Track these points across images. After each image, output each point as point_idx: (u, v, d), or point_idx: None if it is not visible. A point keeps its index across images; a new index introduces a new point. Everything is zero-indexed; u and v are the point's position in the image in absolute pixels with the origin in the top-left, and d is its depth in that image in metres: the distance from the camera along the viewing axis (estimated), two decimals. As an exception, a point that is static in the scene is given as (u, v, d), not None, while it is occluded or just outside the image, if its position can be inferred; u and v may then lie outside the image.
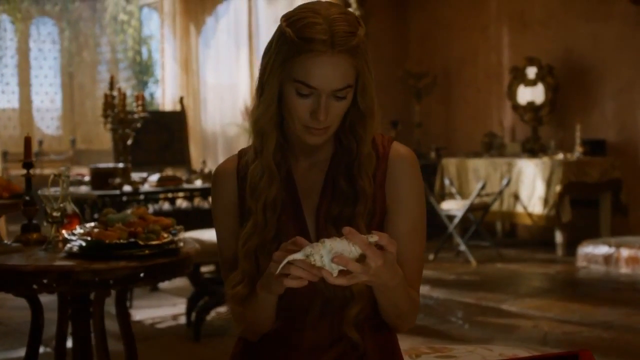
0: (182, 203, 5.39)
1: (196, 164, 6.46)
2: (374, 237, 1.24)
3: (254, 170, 1.46)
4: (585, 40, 6.84)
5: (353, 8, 6.47)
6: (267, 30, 7.30)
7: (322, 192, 1.48)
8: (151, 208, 5.00)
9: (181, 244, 2.52)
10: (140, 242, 2.39)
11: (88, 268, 2.30)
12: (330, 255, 1.22)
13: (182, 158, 6.19)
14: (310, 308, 1.45)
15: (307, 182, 1.50)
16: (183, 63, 6.96)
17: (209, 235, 4.32)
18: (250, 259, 1.42)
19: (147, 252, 2.39)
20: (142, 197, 4.79)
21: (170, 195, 5.02)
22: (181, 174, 5.66)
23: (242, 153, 1.55)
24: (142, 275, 2.37)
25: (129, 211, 2.70)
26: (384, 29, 7.86)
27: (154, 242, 2.41)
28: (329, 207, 1.45)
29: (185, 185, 5.02)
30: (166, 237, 2.48)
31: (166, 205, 5.20)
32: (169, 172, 5.80)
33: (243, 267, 1.42)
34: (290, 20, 1.38)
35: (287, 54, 1.37)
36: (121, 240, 2.40)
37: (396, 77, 7.90)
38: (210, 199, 5.08)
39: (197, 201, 5.31)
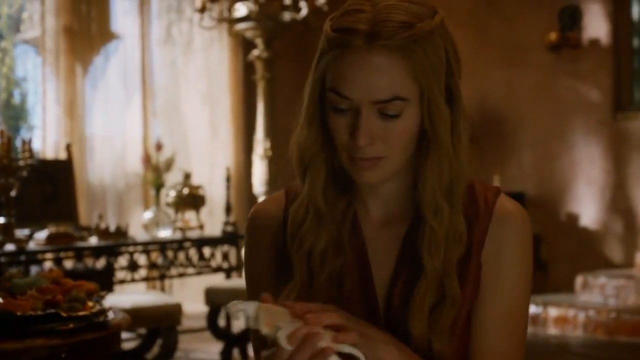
0: (70, 263, 4.92)
1: (84, 219, 5.97)
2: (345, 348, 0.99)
3: (296, 210, 1.15)
4: (500, 89, 6.87)
5: (260, 50, 6.24)
6: (161, 73, 6.95)
7: (399, 261, 1.15)
8: (33, 270, 4.54)
9: (112, 315, 2.14)
10: (63, 314, 2.01)
11: (-3, 348, 1.89)
12: None
13: (68, 212, 5.69)
14: None
15: (379, 242, 1.16)
16: (67, 107, 6.49)
17: (113, 300, 3.89)
18: None
19: (71, 325, 2.00)
20: (23, 257, 4.33)
21: (55, 255, 4.55)
22: (67, 230, 5.18)
23: (290, 191, 1.23)
24: (64, 356, 1.98)
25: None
26: (289, 73, 7.65)
27: (80, 313, 2.02)
28: (405, 285, 1.13)
29: (80, 244, 4.56)
30: (92, 305, 2.10)
31: (51, 266, 4.73)
32: (53, 228, 5.31)
33: None
34: (337, 12, 1.10)
35: (322, 55, 1.08)
36: (37, 312, 2.00)
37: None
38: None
39: (89, 261, 4.84)
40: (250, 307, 0.98)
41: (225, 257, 5.14)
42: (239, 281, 5.05)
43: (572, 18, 6.44)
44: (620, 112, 6.31)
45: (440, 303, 1.09)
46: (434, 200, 1.09)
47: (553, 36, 6.43)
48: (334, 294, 1.13)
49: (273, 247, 1.19)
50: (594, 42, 6.40)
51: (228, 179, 5.35)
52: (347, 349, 0.98)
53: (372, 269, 1.15)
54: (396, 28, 1.04)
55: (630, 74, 6.30)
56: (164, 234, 4.99)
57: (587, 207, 6.44)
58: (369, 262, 1.15)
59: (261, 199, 6.16)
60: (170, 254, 4.94)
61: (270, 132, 6.17)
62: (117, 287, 5.00)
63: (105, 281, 4.92)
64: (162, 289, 5.78)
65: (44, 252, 4.35)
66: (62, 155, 5.96)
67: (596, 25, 6.40)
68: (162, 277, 5.12)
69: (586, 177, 6.48)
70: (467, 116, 1.16)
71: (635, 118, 6.23)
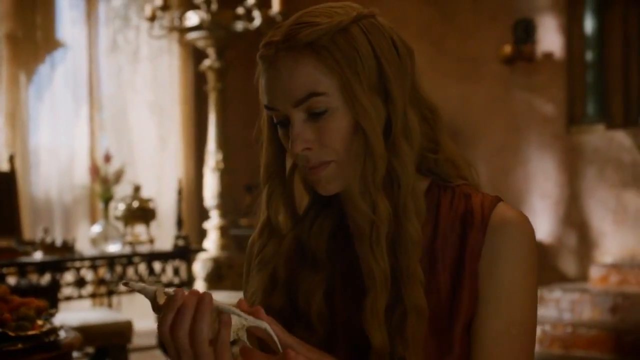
0: (13, 280, 4.75)
1: (28, 234, 5.79)
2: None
3: (260, 224, 1.18)
4: (455, 101, 6.88)
5: (211, 60, 6.15)
6: (108, 83, 6.81)
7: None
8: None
9: (63, 334, 2.03)
10: (11, 333, 1.89)
11: (-61, 371, 1.77)
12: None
13: (11, 226, 5.50)
14: None
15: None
16: (9, 117, 6.30)
17: (59, 318, 3.75)
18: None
19: (20, 346, 1.89)
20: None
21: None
22: (10, 244, 5.01)
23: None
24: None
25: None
26: (242, 84, 7.57)
27: (29, 333, 1.91)
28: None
29: (24, 259, 4.41)
30: (42, 324, 1.99)
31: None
32: (-4, 243, 5.13)
33: None
34: None
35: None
36: (-17, 331, 1.89)
37: (251, 137, 7.58)
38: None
39: (33, 277, 4.68)
40: (152, 287, 0.99)
41: (176, 272, 5.02)
42: (190, 297, 4.93)
43: (526, 31, 6.49)
44: (574, 126, 6.36)
45: (402, 313, 1.06)
46: (368, 193, 1.07)
47: (507, 49, 6.46)
48: (318, 309, 1.12)
49: None
50: (548, 56, 6.45)
51: (180, 192, 5.24)
52: (251, 321, 0.97)
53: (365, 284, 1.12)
54: (300, 28, 1.06)
55: (583, 88, 6.36)
56: (113, 248, 4.86)
57: (542, 220, 6.47)
58: (361, 277, 1.12)
59: (213, 212, 6.06)
60: (119, 269, 4.81)
61: (222, 144, 6.09)
62: (62, 304, 4.85)
63: (50, 298, 4.77)
64: (110, 306, 5.63)
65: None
66: (5, 167, 5.77)
67: (550, 39, 6.46)
68: (110, 294, 4.99)
69: (540, 190, 6.51)
70: (434, 121, 1.15)
71: (588, 132, 6.29)
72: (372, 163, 1.06)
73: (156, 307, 0.97)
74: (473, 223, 1.10)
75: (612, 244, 6.15)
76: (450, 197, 1.14)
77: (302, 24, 1.06)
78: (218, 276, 5.67)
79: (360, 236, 1.13)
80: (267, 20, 5.83)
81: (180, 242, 5.09)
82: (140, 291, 0.97)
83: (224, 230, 6.00)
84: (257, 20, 5.82)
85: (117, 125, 6.82)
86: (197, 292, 0.97)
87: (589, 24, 6.28)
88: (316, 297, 1.12)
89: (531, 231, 1.11)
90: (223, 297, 4.49)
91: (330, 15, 1.06)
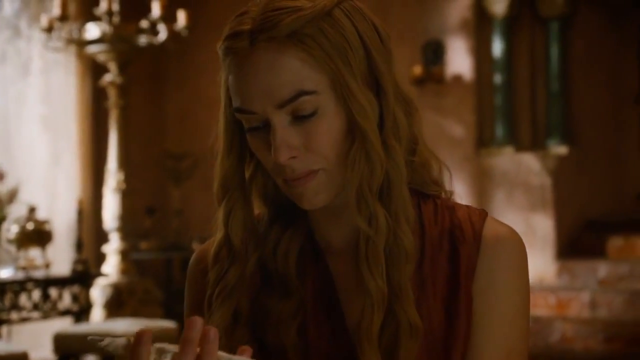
0: None
1: None
2: None
3: (215, 246, 1.02)
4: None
5: (113, 75, 5.89)
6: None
7: None
8: None
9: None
10: None
11: None
12: None
13: None
14: None
15: (349, 277, 1.01)
16: None
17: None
18: None
19: None
20: None
21: None
22: None
23: None
24: None
25: None
26: (145, 100, 7.35)
27: None
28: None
29: None
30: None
31: None
32: None
33: None
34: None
35: (222, 73, 0.97)
36: None
37: (153, 157, 7.38)
38: None
39: None
40: (121, 339, 0.83)
41: (75, 298, 4.75)
42: (89, 326, 4.67)
43: (435, 53, 6.53)
44: (484, 148, 6.42)
45: (394, 333, 0.95)
46: (365, 204, 0.94)
47: (417, 70, 6.48)
48: (293, 341, 0.99)
49: (204, 292, 1.05)
50: (457, 78, 6.51)
51: (80, 213, 4.97)
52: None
53: (342, 307, 1.00)
54: (280, 15, 0.91)
55: (492, 110, 6.44)
56: (4, 273, 4.58)
57: (451, 243, 6.50)
58: (337, 299, 1.00)
59: (112, 234, 5.79)
60: (10, 296, 4.51)
61: (124, 163, 5.84)
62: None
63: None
64: (-1, 336, 5.29)
65: None
66: None
67: (459, 61, 6.51)
68: (0, 323, 4.67)
69: (449, 213, 6.54)
70: (413, 116, 1.01)
71: (497, 154, 6.36)
72: (369, 168, 0.93)
73: None
74: (464, 239, 0.99)
75: (521, 267, 6.22)
76: (432, 208, 1.03)
77: (281, 9, 0.91)
78: (118, 303, 5.41)
79: (335, 252, 1.02)
80: (173, 35, 5.65)
81: (79, 267, 4.82)
82: (108, 346, 0.80)
83: (124, 254, 5.74)
84: (162, 35, 5.63)
85: (8, 142, 6.47)
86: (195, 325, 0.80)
87: (497, 47, 6.38)
88: (291, 328, 0.99)
89: (524, 248, 1.02)
90: (124, 326, 4.26)
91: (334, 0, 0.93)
